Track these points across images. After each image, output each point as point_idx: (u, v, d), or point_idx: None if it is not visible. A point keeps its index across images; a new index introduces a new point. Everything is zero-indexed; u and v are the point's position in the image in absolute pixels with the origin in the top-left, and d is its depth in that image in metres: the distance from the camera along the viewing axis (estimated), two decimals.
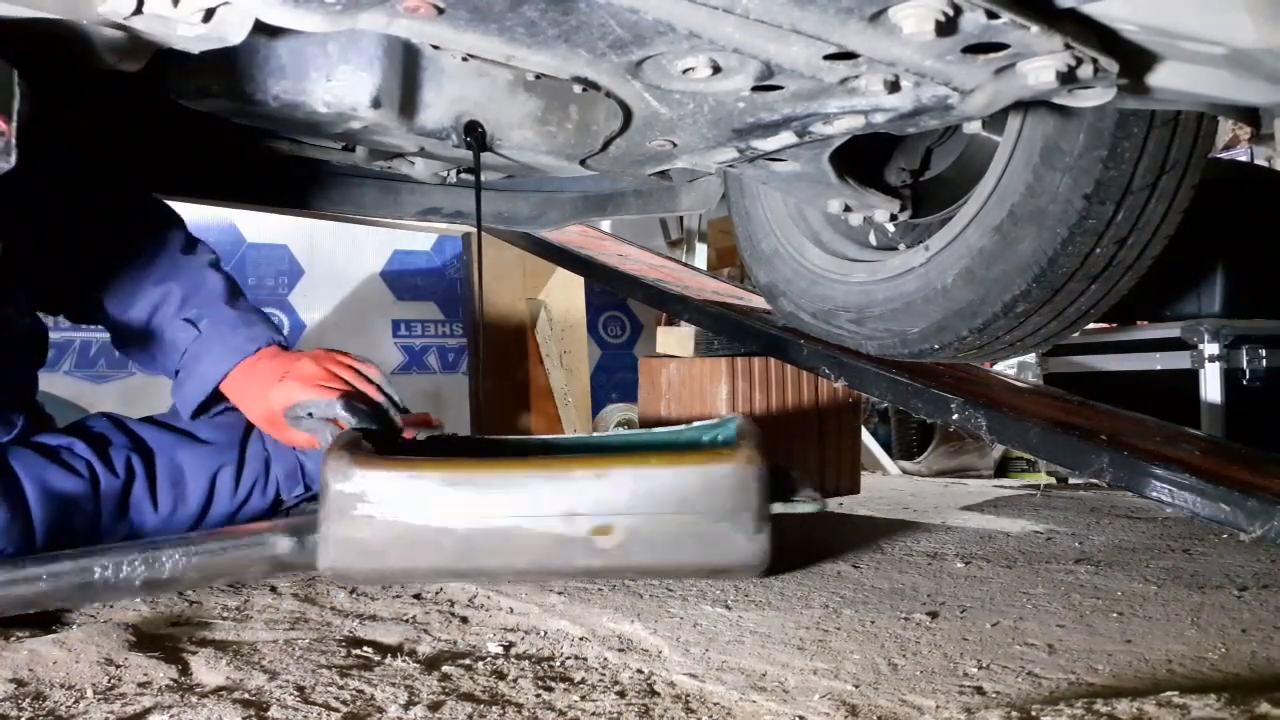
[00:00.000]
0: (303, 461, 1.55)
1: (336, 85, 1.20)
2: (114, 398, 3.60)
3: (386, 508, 1.32)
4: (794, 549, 1.64)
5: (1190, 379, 2.63)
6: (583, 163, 1.39)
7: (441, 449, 1.55)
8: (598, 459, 1.34)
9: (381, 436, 1.43)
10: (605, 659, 1.08)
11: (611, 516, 1.29)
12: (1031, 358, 3.08)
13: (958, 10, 0.87)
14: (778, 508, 1.30)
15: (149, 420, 1.54)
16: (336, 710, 0.91)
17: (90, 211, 1.52)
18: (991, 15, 0.88)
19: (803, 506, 1.32)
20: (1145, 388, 2.74)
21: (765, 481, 1.28)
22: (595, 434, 3.46)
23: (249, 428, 1.54)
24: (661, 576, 1.39)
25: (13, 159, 1.00)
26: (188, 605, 1.30)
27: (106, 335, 1.61)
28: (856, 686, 0.97)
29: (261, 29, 0.97)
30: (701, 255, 4.54)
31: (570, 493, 1.30)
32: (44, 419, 1.51)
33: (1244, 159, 4.00)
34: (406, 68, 1.20)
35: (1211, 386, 2.60)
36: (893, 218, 1.64)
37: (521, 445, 1.72)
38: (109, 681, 0.99)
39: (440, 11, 0.95)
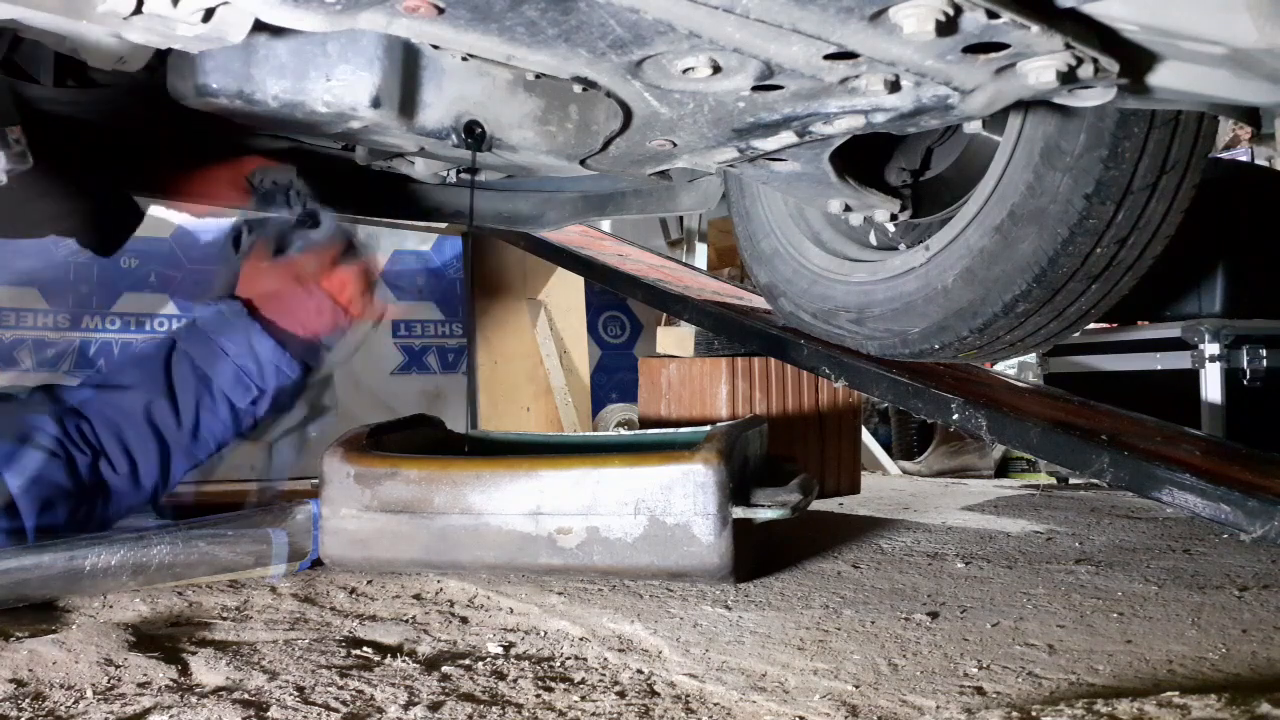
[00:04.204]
0: (243, 366, 1.50)
1: (336, 85, 1.20)
2: None
3: (372, 502, 1.36)
4: (794, 549, 1.64)
5: (1190, 379, 2.63)
6: (583, 163, 1.39)
7: (437, 446, 1.56)
8: (564, 459, 1.35)
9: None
10: (605, 659, 1.08)
11: (572, 516, 1.31)
12: (1032, 358, 3.08)
13: (958, 10, 0.87)
14: (738, 513, 1.28)
15: (80, 386, 1.51)
16: (336, 710, 0.91)
17: None
18: (992, 15, 0.88)
19: (766, 513, 1.30)
20: (1145, 388, 2.74)
21: (725, 485, 1.26)
22: (598, 434, 3.46)
23: (169, 354, 1.50)
24: (621, 577, 1.39)
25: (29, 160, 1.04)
26: (187, 605, 1.30)
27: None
28: (857, 687, 0.97)
29: (261, 28, 0.97)
30: (701, 255, 4.54)
31: (534, 492, 1.32)
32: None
33: (1244, 159, 4.00)
34: (406, 67, 1.20)
35: (1212, 386, 2.60)
36: (893, 217, 1.64)
37: (516, 443, 1.73)
38: (109, 681, 0.99)
39: (440, 11, 0.95)
